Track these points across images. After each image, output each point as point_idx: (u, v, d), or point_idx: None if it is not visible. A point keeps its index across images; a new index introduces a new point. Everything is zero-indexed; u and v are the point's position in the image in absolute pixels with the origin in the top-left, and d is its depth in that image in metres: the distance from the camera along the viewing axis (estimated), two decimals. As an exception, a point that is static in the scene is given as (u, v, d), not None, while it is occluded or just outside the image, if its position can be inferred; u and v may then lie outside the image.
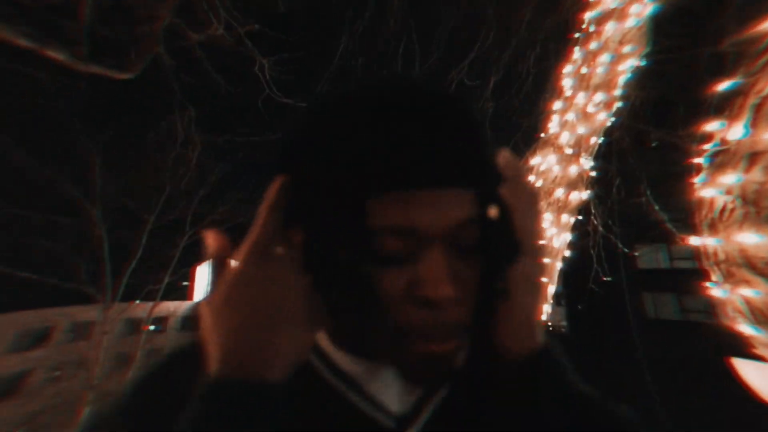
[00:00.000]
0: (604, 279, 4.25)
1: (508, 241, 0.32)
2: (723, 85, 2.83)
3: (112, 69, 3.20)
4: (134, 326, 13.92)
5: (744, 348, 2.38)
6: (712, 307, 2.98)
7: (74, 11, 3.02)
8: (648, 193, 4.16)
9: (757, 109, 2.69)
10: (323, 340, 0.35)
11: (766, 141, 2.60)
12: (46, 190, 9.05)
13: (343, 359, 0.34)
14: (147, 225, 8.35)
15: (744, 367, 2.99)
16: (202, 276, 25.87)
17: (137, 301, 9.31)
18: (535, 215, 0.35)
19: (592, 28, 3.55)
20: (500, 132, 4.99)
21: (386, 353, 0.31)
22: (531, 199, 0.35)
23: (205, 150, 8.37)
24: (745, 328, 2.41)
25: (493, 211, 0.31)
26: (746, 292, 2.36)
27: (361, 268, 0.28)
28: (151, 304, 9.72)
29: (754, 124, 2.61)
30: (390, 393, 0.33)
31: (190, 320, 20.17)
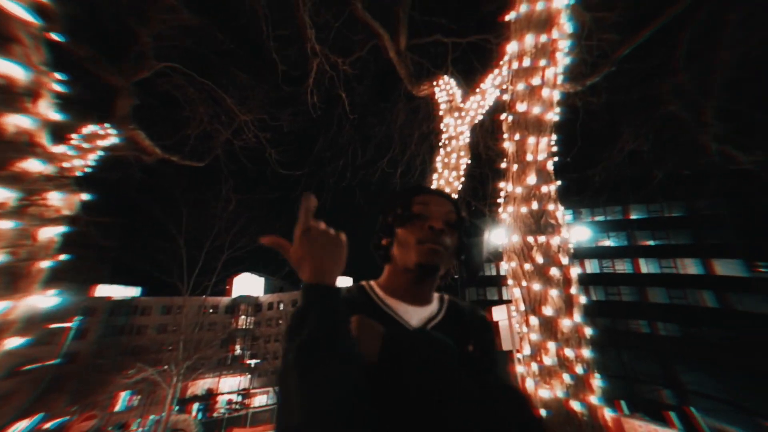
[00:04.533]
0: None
1: (464, 227, 0.82)
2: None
3: (194, 161, 7.31)
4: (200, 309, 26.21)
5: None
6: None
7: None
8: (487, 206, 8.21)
9: (513, 176, 6.23)
10: (379, 289, 0.80)
11: (515, 192, 6.20)
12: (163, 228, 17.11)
13: (388, 299, 0.78)
14: (205, 248, 17.42)
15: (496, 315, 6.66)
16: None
17: (203, 296, 18.21)
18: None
19: (446, 143, 6.58)
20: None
21: (406, 290, 0.76)
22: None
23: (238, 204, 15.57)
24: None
25: (461, 214, 0.81)
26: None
27: (405, 223, 0.79)
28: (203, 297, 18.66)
29: (513, 183, 6.22)
30: (408, 315, 0.75)
31: (230, 307, 36.45)
